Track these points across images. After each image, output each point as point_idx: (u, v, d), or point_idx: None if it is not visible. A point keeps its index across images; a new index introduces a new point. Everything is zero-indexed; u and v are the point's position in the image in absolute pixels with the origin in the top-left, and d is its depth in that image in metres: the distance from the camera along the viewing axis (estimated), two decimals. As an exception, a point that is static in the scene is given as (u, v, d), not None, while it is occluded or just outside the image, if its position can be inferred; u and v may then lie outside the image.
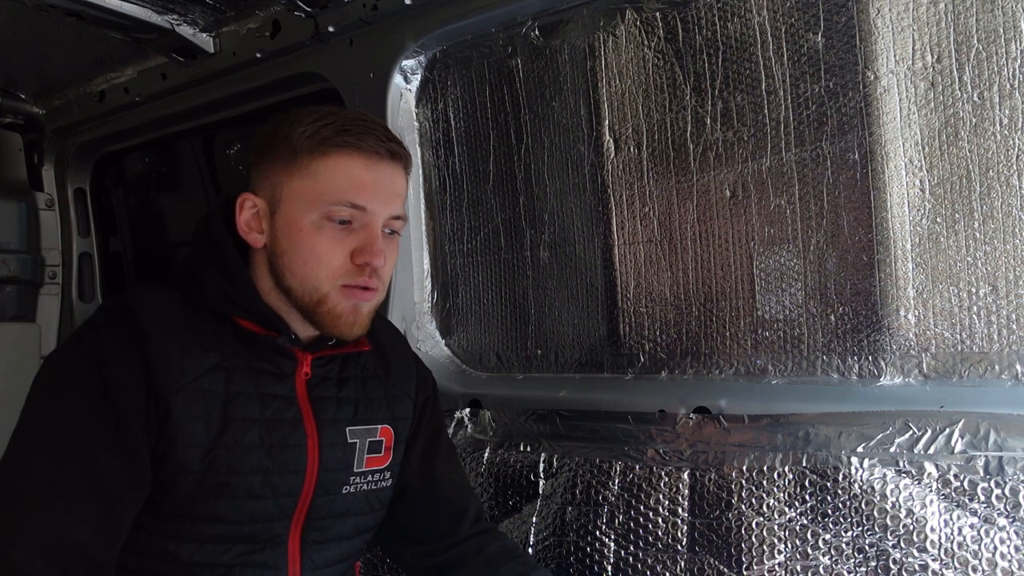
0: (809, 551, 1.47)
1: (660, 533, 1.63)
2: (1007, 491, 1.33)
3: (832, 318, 1.57)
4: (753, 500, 1.54)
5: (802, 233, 1.59)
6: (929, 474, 1.40)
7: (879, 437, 1.45)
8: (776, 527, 1.51)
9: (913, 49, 1.46)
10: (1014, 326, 1.40)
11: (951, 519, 1.36)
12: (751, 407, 1.60)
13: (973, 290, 1.43)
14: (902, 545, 1.40)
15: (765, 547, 1.52)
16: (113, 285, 3.10)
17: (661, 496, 1.65)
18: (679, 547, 1.61)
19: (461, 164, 2.06)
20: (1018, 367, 1.40)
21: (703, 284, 1.72)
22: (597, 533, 1.71)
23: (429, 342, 2.14)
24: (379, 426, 1.44)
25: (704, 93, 1.68)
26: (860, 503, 1.44)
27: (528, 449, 1.86)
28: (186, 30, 2.18)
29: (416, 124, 2.11)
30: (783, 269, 1.62)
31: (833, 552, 1.46)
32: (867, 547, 1.43)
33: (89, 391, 1.20)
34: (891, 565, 1.40)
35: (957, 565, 1.34)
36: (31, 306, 2.98)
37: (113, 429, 1.19)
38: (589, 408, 1.80)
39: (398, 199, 1.34)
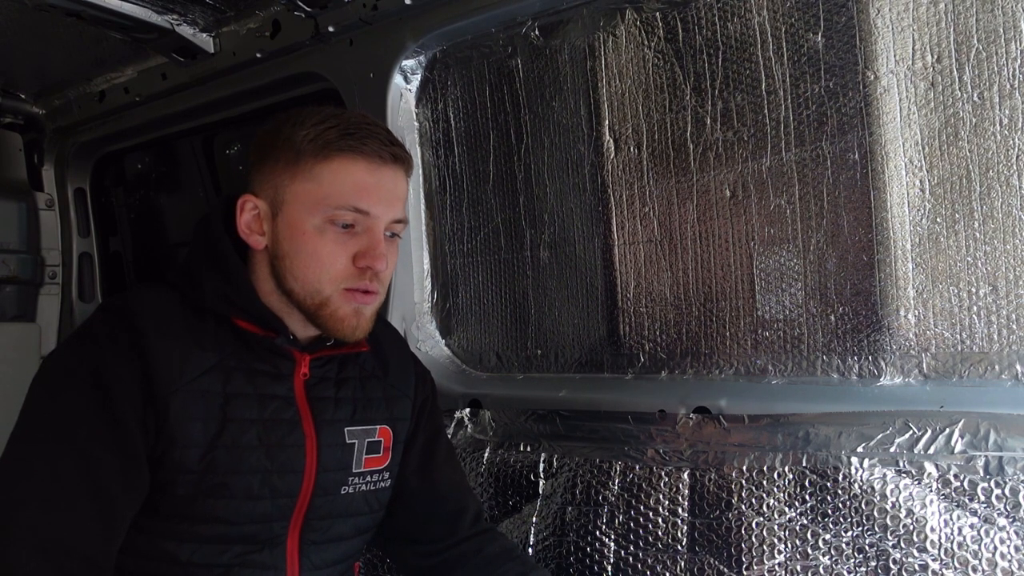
0: (809, 551, 1.47)
1: (660, 533, 1.63)
2: (1007, 491, 1.33)
3: (832, 318, 1.57)
4: (753, 500, 1.54)
5: (802, 233, 1.59)
6: (929, 474, 1.40)
7: (879, 437, 1.45)
8: (776, 527, 1.51)
9: (913, 49, 1.46)
10: (1014, 326, 1.40)
11: (951, 519, 1.36)
12: (751, 407, 1.60)
13: (973, 290, 1.43)
14: (902, 545, 1.40)
15: (765, 547, 1.51)
16: (113, 285, 3.11)
17: (661, 496, 1.65)
18: (679, 547, 1.61)
19: (461, 164, 2.06)
20: (1018, 367, 1.40)
21: (703, 284, 1.72)
22: (597, 533, 1.71)
23: (429, 342, 2.14)
24: (378, 426, 1.44)
25: (704, 93, 1.68)
26: (860, 503, 1.44)
27: (528, 449, 1.86)
28: (186, 30, 2.18)
29: (416, 124, 2.11)
30: (783, 269, 1.62)
31: (833, 552, 1.45)
32: (867, 547, 1.43)
33: (87, 392, 1.20)
34: (891, 565, 1.40)
35: (957, 565, 1.34)
36: (31, 306, 2.98)
37: (111, 430, 1.19)
38: (589, 408, 1.80)
39: (400, 203, 1.34)
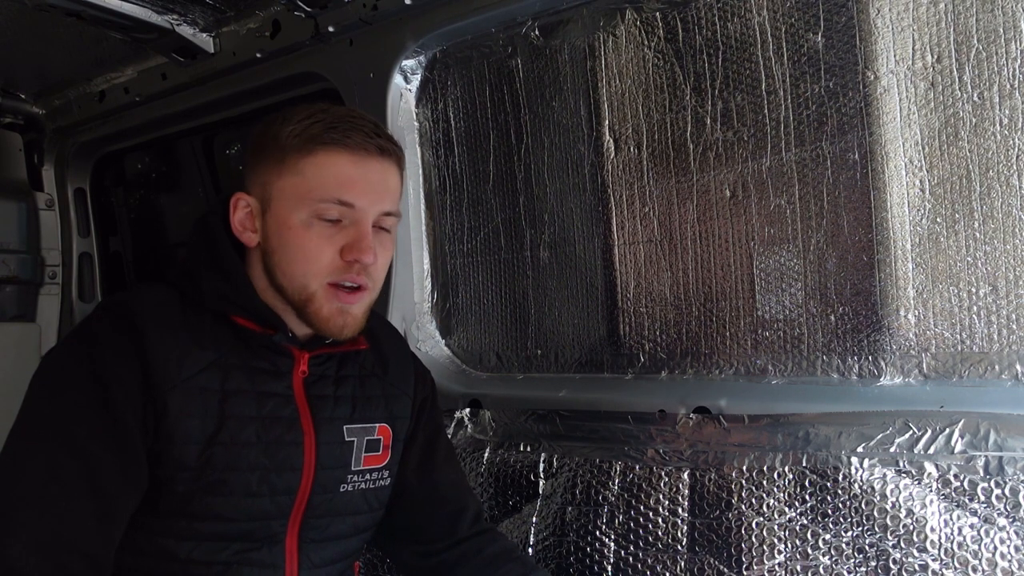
0: (809, 551, 1.47)
1: (660, 533, 1.63)
2: (1007, 491, 1.33)
3: (832, 318, 1.57)
4: (753, 500, 1.54)
5: (802, 233, 1.59)
6: (929, 474, 1.39)
7: (879, 437, 1.45)
8: (776, 527, 1.51)
9: (913, 49, 1.46)
10: (1014, 326, 1.40)
11: (951, 519, 1.36)
12: (751, 407, 1.60)
13: (973, 290, 1.43)
14: (902, 545, 1.39)
15: (765, 547, 1.51)
16: (113, 285, 3.11)
17: (661, 496, 1.65)
18: (679, 547, 1.61)
19: (461, 164, 2.06)
20: (1018, 367, 1.40)
21: (703, 284, 1.72)
22: (597, 533, 1.71)
23: (429, 342, 2.14)
24: (377, 424, 1.44)
25: (704, 93, 1.68)
26: (860, 503, 1.44)
27: (528, 449, 1.86)
28: (186, 30, 2.19)
29: (416, 124, 2.11)
30: (783, 269, 1.62)
31: (833, 552, 1.45)
32: (867, 547, 1.42)
33: (86, 390, 1.20)
34: (891, 565, 1.40)
35: (957, 565, 1.34)
36: (31, 306, 2.98)
37: (110, 427, 1.19)
38: (589, 408, 1.80)
39: (389, 195, 1.33)
